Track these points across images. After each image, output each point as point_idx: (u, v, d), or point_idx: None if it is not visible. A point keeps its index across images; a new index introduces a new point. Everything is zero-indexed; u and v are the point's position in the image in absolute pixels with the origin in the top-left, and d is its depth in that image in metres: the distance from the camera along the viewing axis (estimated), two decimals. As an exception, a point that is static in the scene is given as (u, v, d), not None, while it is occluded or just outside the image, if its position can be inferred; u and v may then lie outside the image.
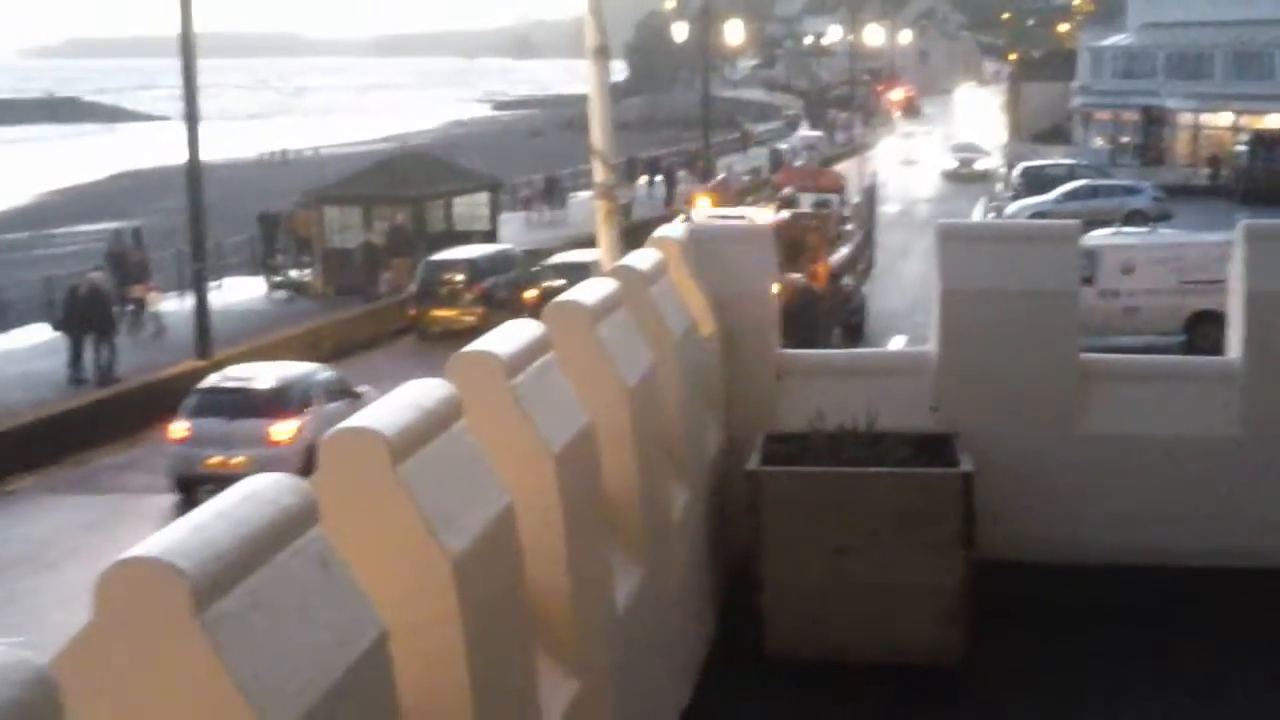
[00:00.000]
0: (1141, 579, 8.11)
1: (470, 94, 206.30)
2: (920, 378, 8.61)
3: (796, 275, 27.81)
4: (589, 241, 31.25)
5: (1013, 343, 8.45)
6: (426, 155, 55.03)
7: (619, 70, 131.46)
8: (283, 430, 22.74)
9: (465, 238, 42.61)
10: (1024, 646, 7.44)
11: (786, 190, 45.19)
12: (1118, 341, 26.55)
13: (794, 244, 29.38)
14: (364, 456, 3.54)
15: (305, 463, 19.66)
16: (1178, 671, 7.25)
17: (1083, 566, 8.20)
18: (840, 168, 64.61)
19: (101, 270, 34.53)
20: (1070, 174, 58.66)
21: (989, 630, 7.17)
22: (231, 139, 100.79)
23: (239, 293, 41.47)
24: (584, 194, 53.56)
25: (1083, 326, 8.78)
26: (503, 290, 35.97)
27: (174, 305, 37.10)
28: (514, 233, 49.33)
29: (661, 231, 8.55)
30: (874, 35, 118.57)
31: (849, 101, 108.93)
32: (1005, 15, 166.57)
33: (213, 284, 35.80)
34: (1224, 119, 71.64)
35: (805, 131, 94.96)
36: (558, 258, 37.17)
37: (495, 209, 47.05)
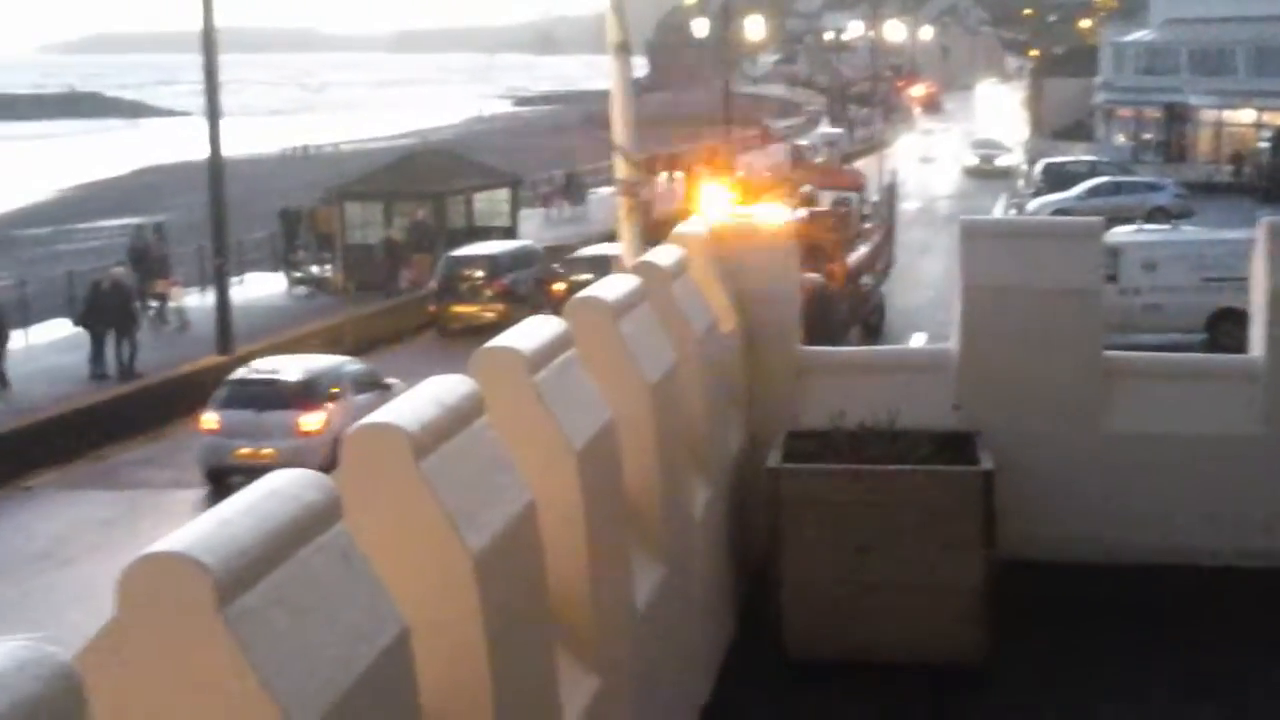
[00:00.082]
0: (1164, 578, 8.07)
1: (492, 89, 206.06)
2: (942, 375, 8.57)
3: (813, 275, 27.66)
4: (609, 238, 31.27)
5: (1036, 340, 8.40)
6: (447, 151, 55.09)
7: (640, 66, 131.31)
8: (311, 421, 23.05)
9: (485, 234, 42.68)
10: (1046, 645, 7.42)
11: (805, 188, 45.04)
12: (1139, 339, 26.47)
13: (811, 244, 29.20)
14: (386, 452, 3.54)
15: (334, 453, 19.70)
16: (1199, 671, 7.22)
17: (1104, 565, 8.16)
18: (860, 164, 64.46)
19: (123, 265, 34.73)
20: (1092, 170, 58.49)
21: (1010, 629, 7.14)
22: (253, 134, 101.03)
23: (260, 288, 41.59)
24: (604, 190, 53.55)
25: (1105, 324, 8.74)
26: (523, 286, 35.94)
27: (195, 301, 37.25)
28: (533, 229, 49.38)
29: (683, 227, 8.53)
30: (895, 31, 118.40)
31: (870, 97, 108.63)
32: (1027, 11, 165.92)
33: (234, 280, 35.93)
34: (1246, 116, 71.31)
35: (826, 128, 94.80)
36: (586, 250, 37.12)
37: (515, 205, 47.11)
